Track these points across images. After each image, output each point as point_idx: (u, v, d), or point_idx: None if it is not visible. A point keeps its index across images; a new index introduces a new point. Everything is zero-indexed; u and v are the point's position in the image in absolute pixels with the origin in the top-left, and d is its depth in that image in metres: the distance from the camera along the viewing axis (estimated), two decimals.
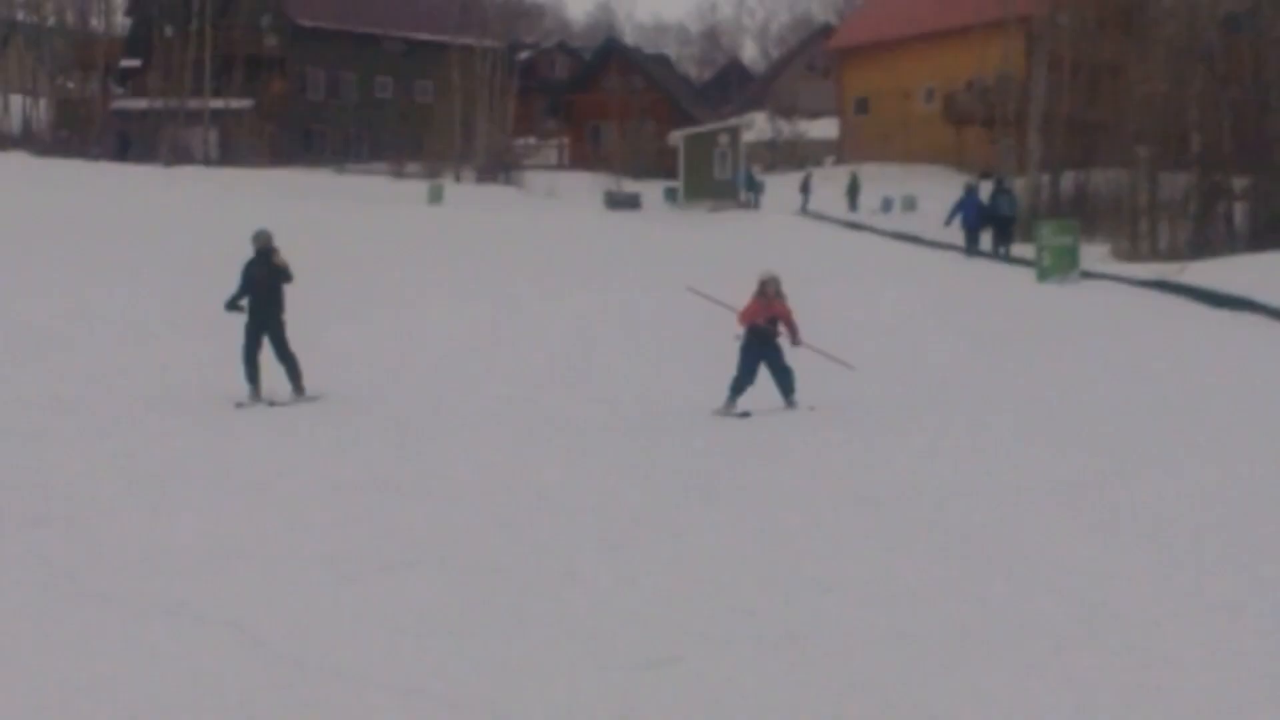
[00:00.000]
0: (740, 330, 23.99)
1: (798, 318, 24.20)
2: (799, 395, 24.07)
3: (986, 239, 56.61)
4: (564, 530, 16.75)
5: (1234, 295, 37.28)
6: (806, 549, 15.38)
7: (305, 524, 16.73)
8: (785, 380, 23.94)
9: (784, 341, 24.34)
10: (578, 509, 17.93)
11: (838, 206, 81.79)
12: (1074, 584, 13.99)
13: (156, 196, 64.35)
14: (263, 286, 25.67)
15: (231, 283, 25.92)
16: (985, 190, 59.75)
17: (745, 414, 23.52)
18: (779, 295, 23.90)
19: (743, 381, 23.67)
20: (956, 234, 57.89)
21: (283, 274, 25.75)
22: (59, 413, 24.38)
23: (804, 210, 79.33)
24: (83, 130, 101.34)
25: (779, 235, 65.81)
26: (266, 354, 25.92)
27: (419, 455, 21.61)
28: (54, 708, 10.72)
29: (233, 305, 25.71)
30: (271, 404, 25.41)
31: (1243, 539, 15.59)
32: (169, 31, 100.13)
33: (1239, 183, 56.33)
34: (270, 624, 12.72)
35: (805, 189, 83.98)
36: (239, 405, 25.15)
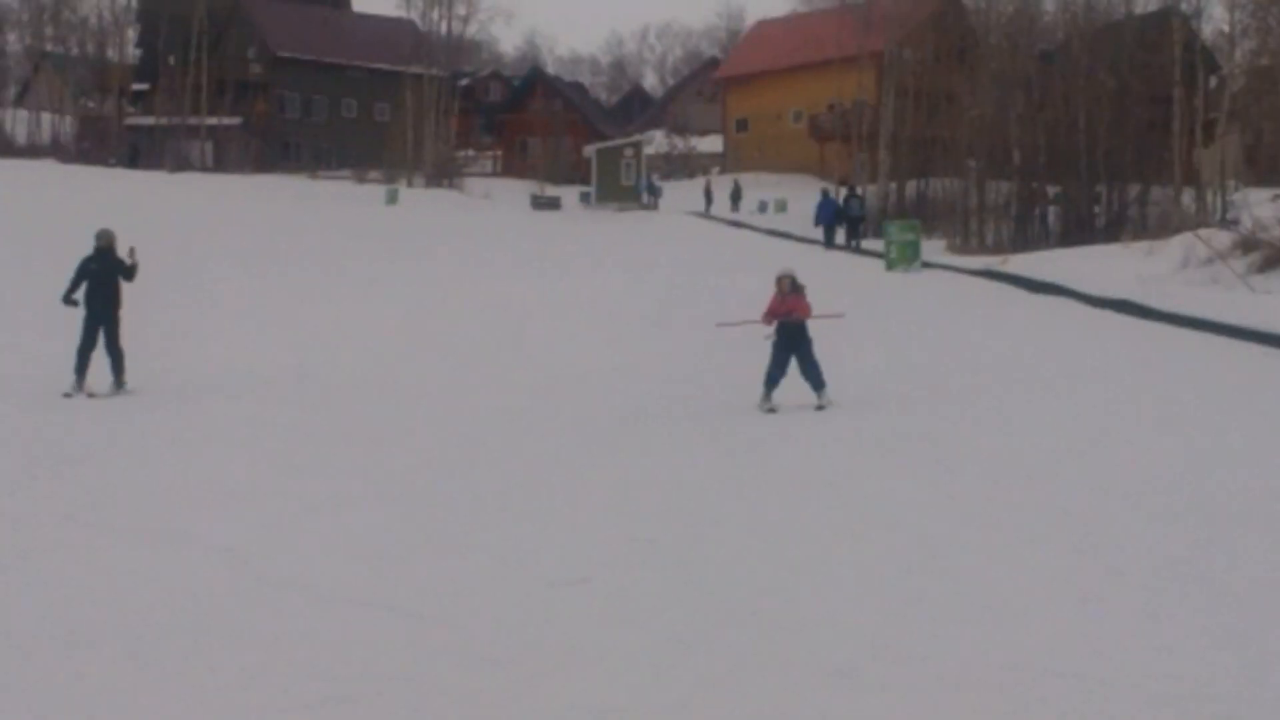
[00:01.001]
0: (769, 330, 21.50)
1: (816, 310, 21.51)
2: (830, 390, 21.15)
3: (842, 235, 57.43)
4: (496, 474, 16.86)
5: (1048, 282, 37.65)
6: (701, 489, 15.65)
7: (284, 468, 17.04)
8: (813, 375, 21.19)
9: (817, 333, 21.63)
10: (506, 456, 18.07)
11: (723, 208, 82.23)
12: (908, 518, 14.21)
13: (162, 196, 64.26)
14: (101, 282, 23.63)
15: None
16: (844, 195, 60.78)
17: (773, 409, 21.03)
18: (795, 290, 21.48)
19: (774, 375, 21.26)
20: (820, 231, 58.60)
21: (123, 270, 23.87)
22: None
23: (707, 213, 79.71)
24: (101, 142, 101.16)
25: (673, 230, 66.00)
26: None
27: (374, 415, 21.74)
28: (72, 610, 10.85)
29: (67, 299, 23.65)
30: (91, 395, 23.08)
31: (1051, 468, 16.00)
32: (172, 61, 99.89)
33: (1051, 190, 56.87)
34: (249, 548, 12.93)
35: (708, 194, 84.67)
36: (66, 395, 22.87)
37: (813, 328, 21.44)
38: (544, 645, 10.20)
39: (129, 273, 23.92)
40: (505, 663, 9.77)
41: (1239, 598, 11.08)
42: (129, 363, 23.67)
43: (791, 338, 21.24)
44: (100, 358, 23.40)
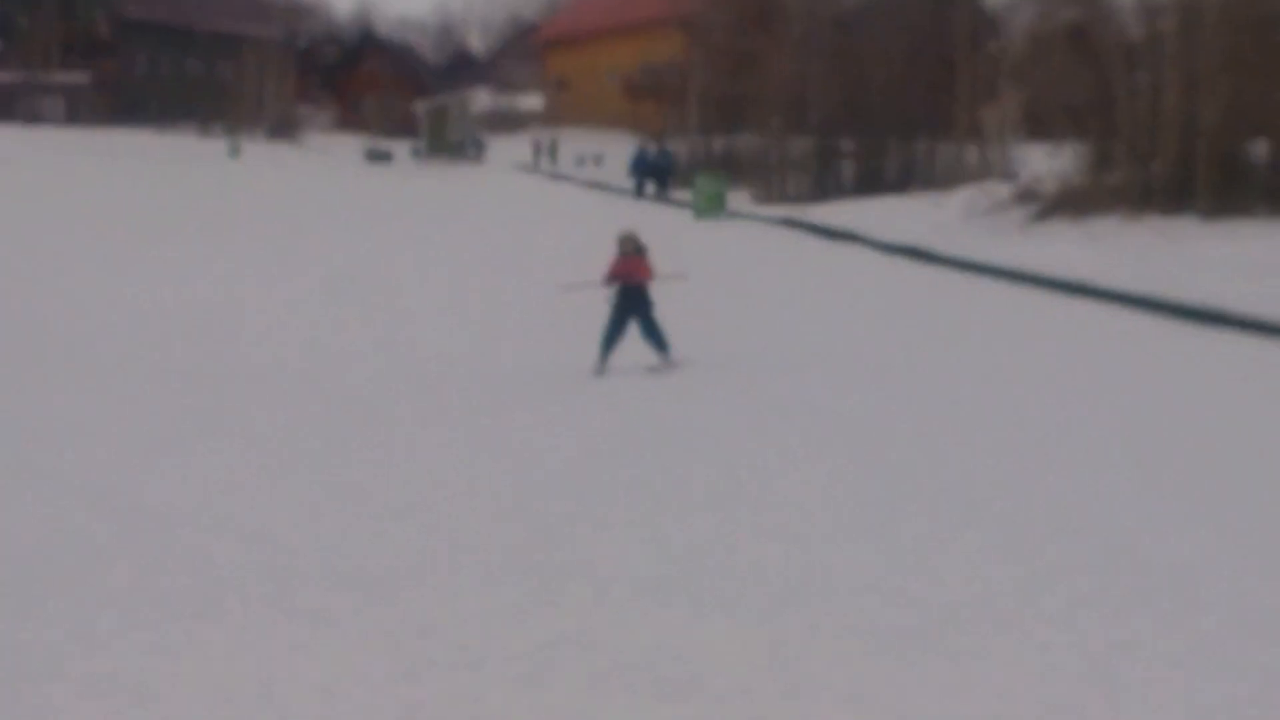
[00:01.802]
0: (609, 293, 19.51)
1: (657, 270, 19.61)
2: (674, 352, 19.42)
3: (652, 187, 58.00)
4: (335, 415, 17.07)
5: (842, 229, 38.18)
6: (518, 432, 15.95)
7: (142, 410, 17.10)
8: (655, 337, 19.42)
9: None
10: (349, 399, 18.20)
11: (545, 163, 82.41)
12: (722, 440, 14.65)
13: (12, 149, 63.59)
14: None
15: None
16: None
17: (599, 374, 19.15)
18: (638, 251, 19.63)
19: (612, 337, 19.30)
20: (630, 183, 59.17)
21: None
22: None
23: (536, 167, 79.94)
24: None
25: (497, 182, 66.26)
26: None
27: (223, 354, 21.51)
28: None
29: None
30: None
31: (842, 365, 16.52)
32: (23, 20, 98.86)
33: (846, 145, 57.41)
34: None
35: (537, 150, 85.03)
36: None
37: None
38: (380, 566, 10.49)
39: None
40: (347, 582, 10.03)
41: (1035, 527, 11.53)
42: None
43: (632, 300, 19.40)
44: None
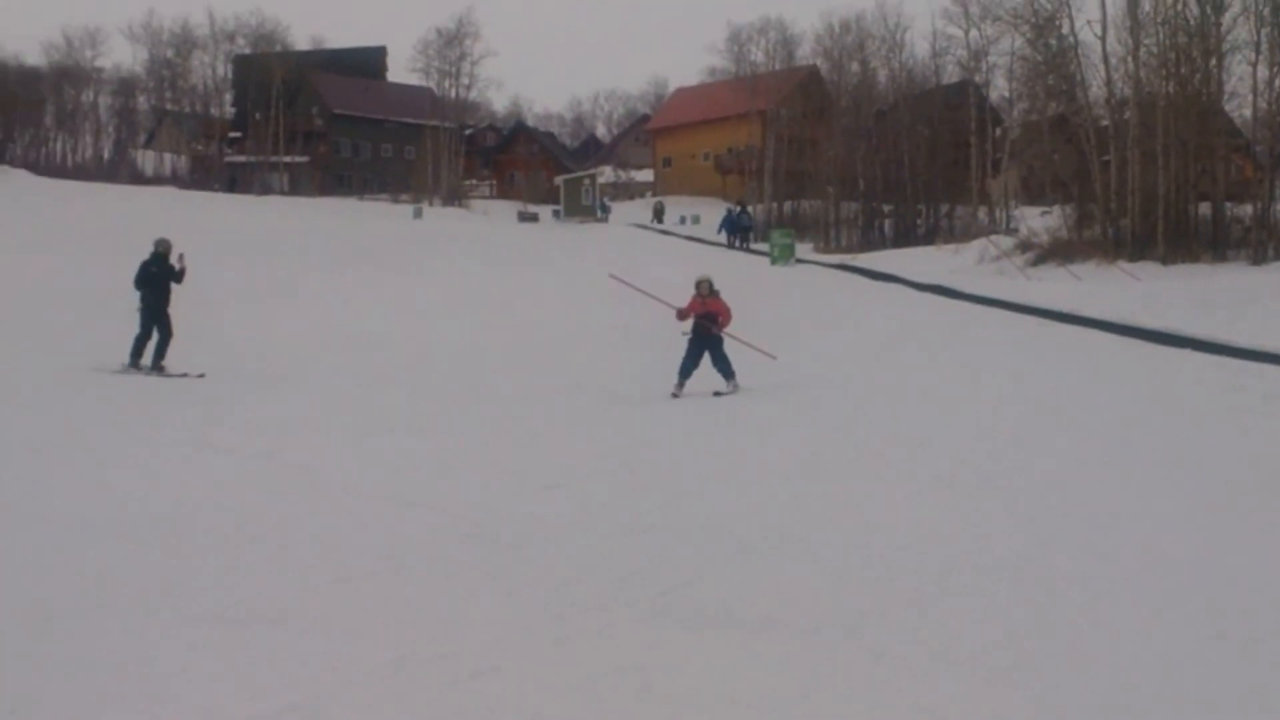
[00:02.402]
0: (686, 326, 18.62)
1: (733, 313, 18.86)
2: (739, 379, 18.34)
3: (738, 240, 58.09)
4: (495, 413, 17.32)
5: (885, 272, 38.16)
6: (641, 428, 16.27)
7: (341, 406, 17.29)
8: (723, 366, 18.34)
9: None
10: (506, 400, 18.50)
11: (658, 223, 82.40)
12: (795, 439, 14.72)
13: (251, 212, 64.12)
14: (159, 283, 20.26)
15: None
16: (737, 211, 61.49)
17: (676, 396, 18.04)
18: (713, 293, 18.75)
19: (687, 367, 18.33)
20: (721, 237, 59.20)
21: (174, 274, 20.56)
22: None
23: (651, 224, 79.95)
24: (207, 174, 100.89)
25: (619, 236, 66.02)
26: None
27: (404, 364, 21.99)
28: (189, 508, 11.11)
29: (139, 285, 20.29)
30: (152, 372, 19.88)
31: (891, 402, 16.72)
32: (258, 116, 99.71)
33: (886, 208, 57.52)
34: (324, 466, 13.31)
35: (659, 212, 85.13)
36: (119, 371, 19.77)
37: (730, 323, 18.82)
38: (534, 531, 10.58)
39: (179, 276, 20.64)
40: (509, 543, 10.16)
41: (1031, 491, 11.57)
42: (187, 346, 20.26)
43: (706, 334, 18.52)
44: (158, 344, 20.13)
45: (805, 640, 7.73)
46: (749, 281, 36.87)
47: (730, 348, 18.87)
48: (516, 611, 8.23)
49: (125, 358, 19.93)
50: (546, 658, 7.40)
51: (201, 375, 19.61)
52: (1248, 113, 38.16)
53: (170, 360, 20.07)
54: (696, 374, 18.55)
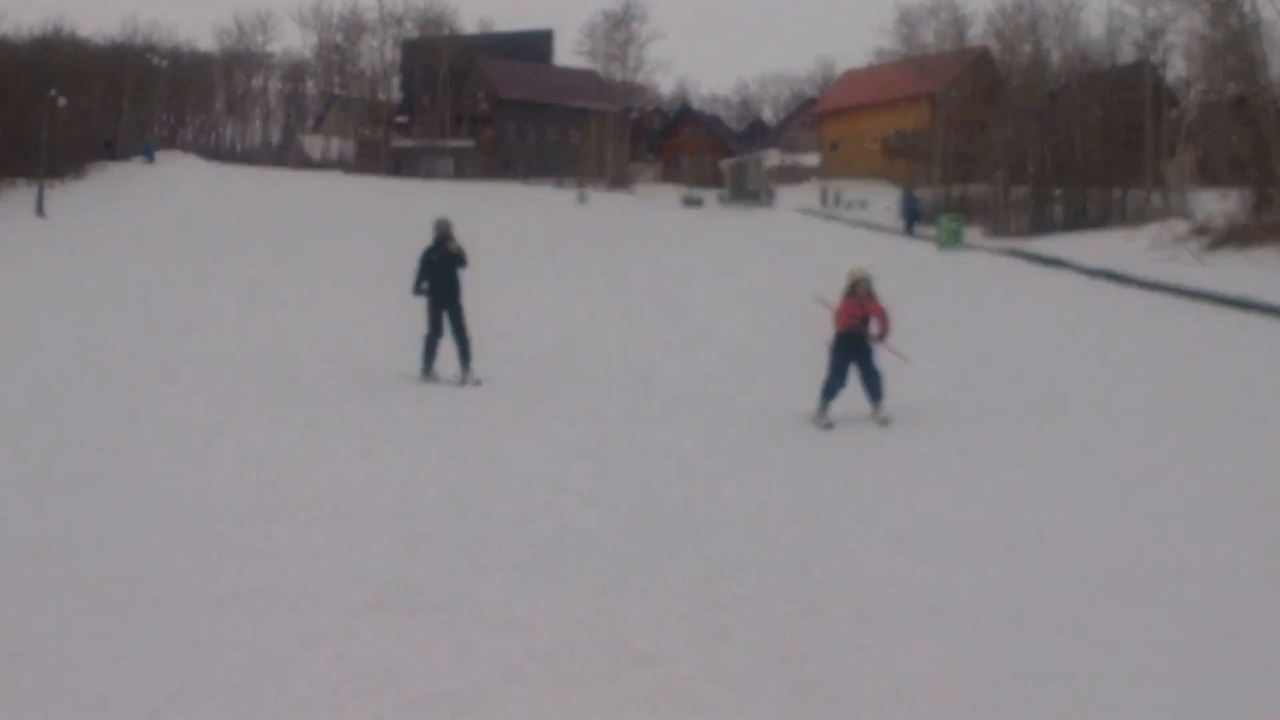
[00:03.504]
0: (831, 340, 15.06)
1: (891, 316, 15.08)
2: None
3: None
4: (647, 400, 17.32)
5: (1055, 257, 37.61)
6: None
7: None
8: (874, 385, 14.88)
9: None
10: (666, 388, 18.38)
11: (829, 207, 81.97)
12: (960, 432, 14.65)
13: (419, 196, 64.96)
14: (443, 271, 18.10)
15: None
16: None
17: (829, 425, 14.50)
18: (870, 295, 15.06)
19: (834, 385, 14.81)
20: (892, 221, 58.88)
21: (461, 258, 18.24)
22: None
23: (823, 209, 79.55)
24: (373, 158, 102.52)
25: (785, 222, 65.90)
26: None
27: (564, 350, 21.85)
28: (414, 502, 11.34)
29: (417, 289, 18.13)
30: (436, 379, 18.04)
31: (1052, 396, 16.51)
32: (425, 100, 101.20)
33: (1056, 192, 56.74)
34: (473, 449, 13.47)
35: (824, 196, 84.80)
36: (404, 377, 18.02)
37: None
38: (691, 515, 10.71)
39: (463, 260, 18.27)
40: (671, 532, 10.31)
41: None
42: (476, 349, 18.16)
43: (855, 343, 14.93)
44: (448, 346, 18.08)
45: (968, 632, 7.74)
46: (915, 266, 36.81)
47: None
48: (676, 602, 8.31)
49: (419, 363, 18.11)
50: (706, 648, 7.46)
51: (479, 382, 17.75)
52: None
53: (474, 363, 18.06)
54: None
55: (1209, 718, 6.56)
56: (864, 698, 6.72)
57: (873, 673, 7.07)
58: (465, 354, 17.95)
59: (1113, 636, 7.62)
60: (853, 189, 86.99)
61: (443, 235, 18.25)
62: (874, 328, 15.04)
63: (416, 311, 18.30)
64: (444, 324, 18.08)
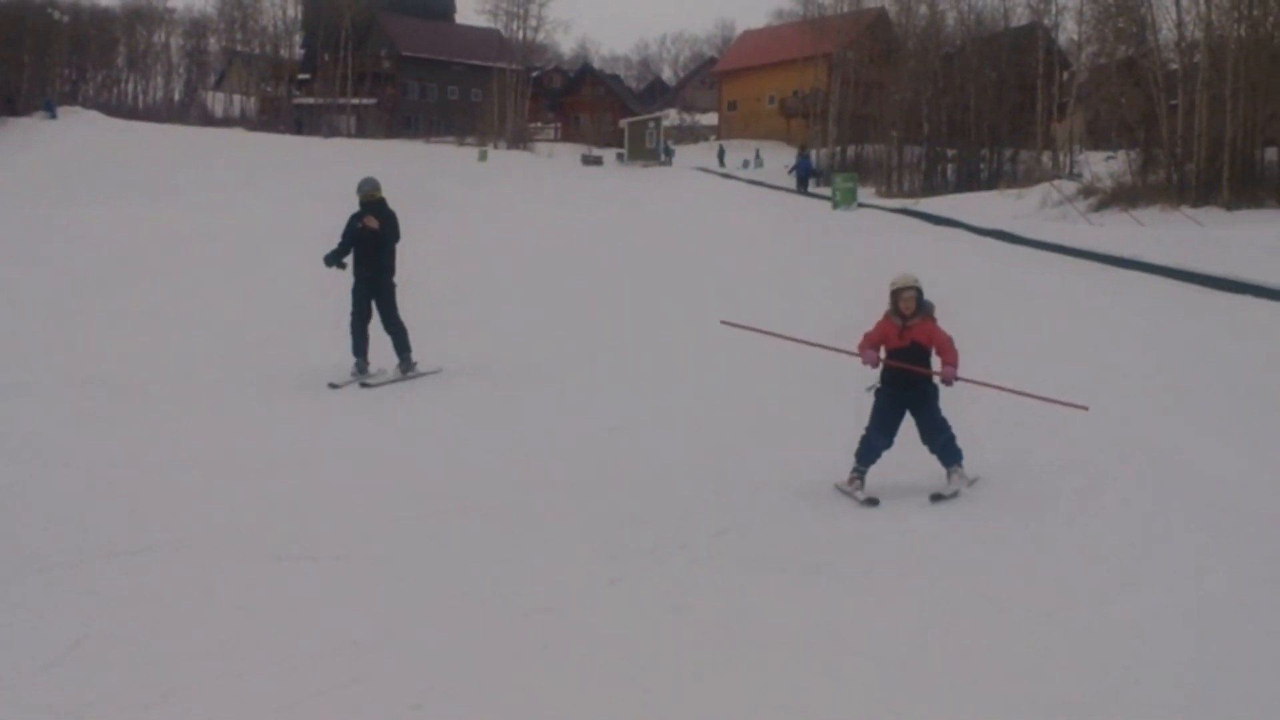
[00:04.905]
0: (874, 378, 10.19)
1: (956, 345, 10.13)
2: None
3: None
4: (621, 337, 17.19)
5: (945, 217, 37.79)
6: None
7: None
8: (940, 437, 9.96)
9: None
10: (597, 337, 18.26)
11: (720, 166, 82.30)
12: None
13: (319, 154, 64.23)
14: (369, 244, 14.74)
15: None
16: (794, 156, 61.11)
17: (873, 501, 9.64)
18: (921, 310, 10.02)
19: (873, 442, 10.02)
20: (788, 180, 58.94)
21: (393, 227, 14.94)
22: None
23: (722, 169, 79.64)
24: (275, 116, 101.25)
25: (682, 180, 65.80)
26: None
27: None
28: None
29: (329, 259, 14.76)
30: (364, 385, 14.49)
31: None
32: (326, 58, 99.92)
33: (950, 152, 56.94)
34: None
35: (721, 155, 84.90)
36: (333, 386, 14.40)
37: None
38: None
39: (394, 232, 15.00)
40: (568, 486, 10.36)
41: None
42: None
43: (910, 386, 10.02)
44: (378, 335, 15.01)
45: (858, 582, 7.89)
46: (812, 223, 36.70)
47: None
48: (572, 554, 8.44)
49: (351, 362, 14.93)
50: (600, 598, 7.59)
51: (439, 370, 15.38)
52: None
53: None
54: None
55: (1064, 649, 6.64)
56: (754, 645, 6.81)
57: (763, 621, 7.18)
58: (399, 345, 15.04)
59: (995, 580, 7.76)
60: (750, 148, 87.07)
61: (365, 202, 14.93)
62: (946, 373, 9.95)
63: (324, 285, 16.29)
64: (371, 309, 14.98)
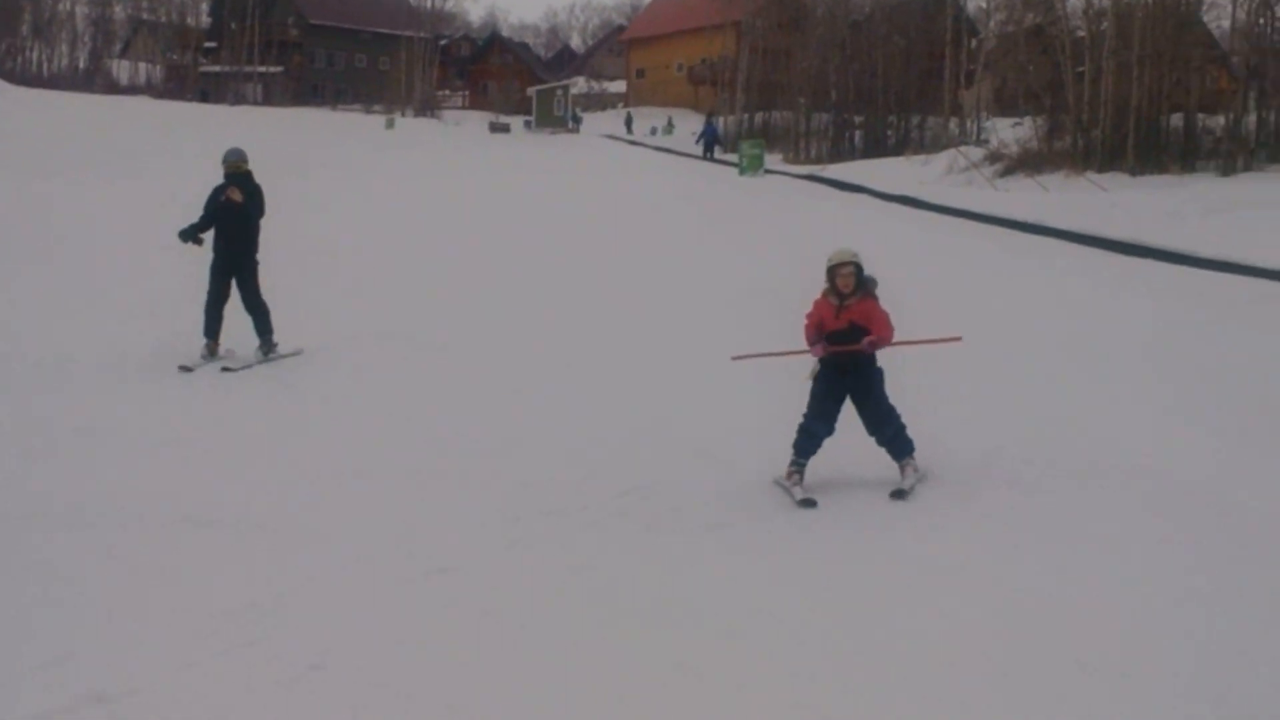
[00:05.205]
0: (812, 365, 9.15)
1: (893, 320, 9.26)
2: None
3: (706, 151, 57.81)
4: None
5: (852, 183, 37.75)
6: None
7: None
8: (887, 428, 9.09)
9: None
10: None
11: (628, 133, 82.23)
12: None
13: (225, 121, 63.44)
14: (231, 218, 13.50)
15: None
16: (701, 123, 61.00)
17: (809, 502, 8.62)
18: (861, 288, 9.02)
19: (814, 431, 9.01)
20: (694, 147, 58.92)
21: (257, 202, 13.64)
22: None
23: (629, 136, 79.61)
24: (181, 84, 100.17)
25: (589, 146, 65.86)
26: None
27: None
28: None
29: (185, 233, 13.52)
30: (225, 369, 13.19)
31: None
32: (233, 26, 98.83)
33: (857, 119, 56.89)
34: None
35: (629, 123, 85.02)
36: (184, 369, 13.12)
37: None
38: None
39: (259, 208, 13.70)
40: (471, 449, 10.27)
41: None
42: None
43: (850, 371, 9.04)
44: (237, 315, 13.80)
45: (758, 542, 7.93)
46: (718, 189, 36.53)
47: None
48: (474, 514, 8.46)
49: (202, 341, 13.72)
50: (500, 558, 7.63)
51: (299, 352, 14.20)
52: (1226, 24, 37.64)
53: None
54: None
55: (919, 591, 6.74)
56: (654, 605, 6.88)
57: (663, 581, 7.25)
58: (259, 326, 13.83)
59: (891, 536, 7.93)
60: (658, 116, 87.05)
61: (231, 174, 13.70)
62: (865, 343, 8.94)
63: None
64: (229, 288, 13.81)
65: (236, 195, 13.35)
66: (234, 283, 13.73)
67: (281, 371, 13.29)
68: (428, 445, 10.29)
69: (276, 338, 13.91)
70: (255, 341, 13.80)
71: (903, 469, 9.06)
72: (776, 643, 6.36)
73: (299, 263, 19.64)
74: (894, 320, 8.94)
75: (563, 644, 6.33)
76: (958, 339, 9.62)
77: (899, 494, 8.78)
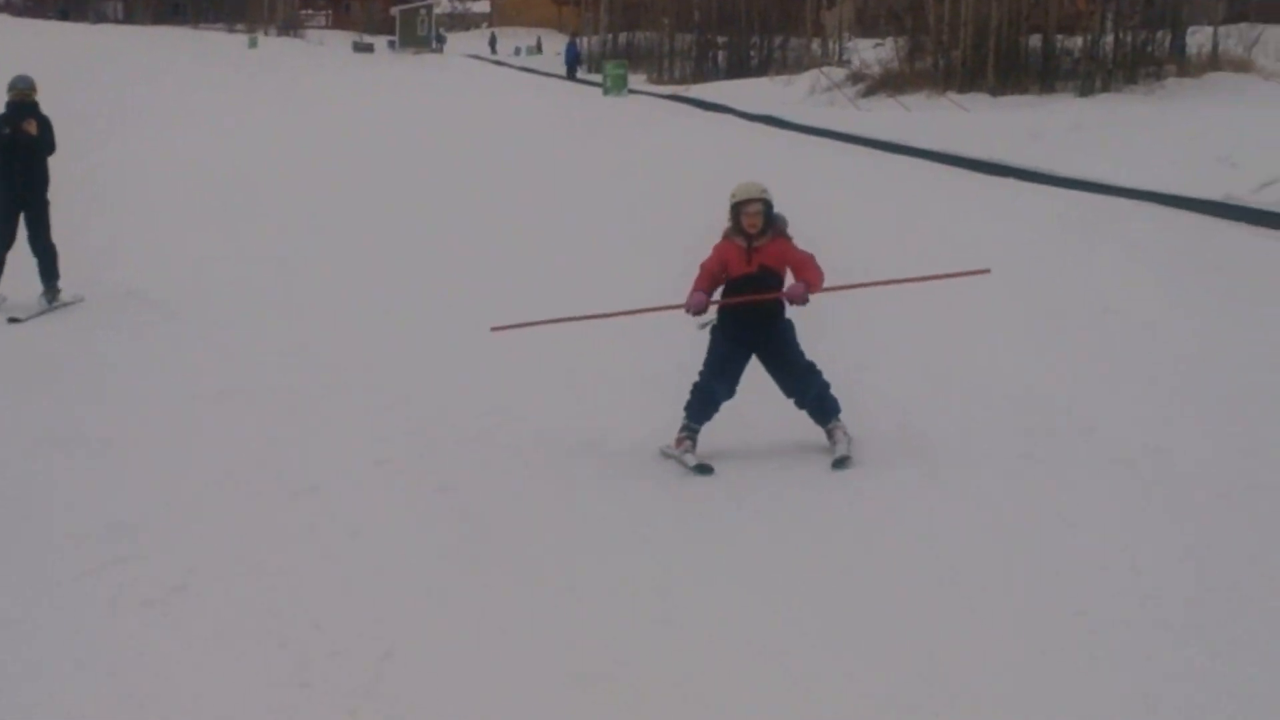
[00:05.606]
0: (708, 316, 7.85)
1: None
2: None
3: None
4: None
5: (716, 103, 37.68)
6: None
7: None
8: (810, 388, 7.80)
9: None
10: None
11: (490, 52, 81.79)
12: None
13: (87, 39, 62.07)
14: (18, 151, 12.16)
15: None
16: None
17: (705, 468, 7.57)
18: (771, 227, 7.66)
19: (711, 391, 7.80)
20: (559, 67, 58.75)
21: (48, 133, 12.38)
22: None
23: (494, 56, 79.17)
24: (40, 2, 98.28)
25: (454, 67, 65.28)
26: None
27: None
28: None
29: None
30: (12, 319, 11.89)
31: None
32: None
33: (720, 40, 56.83)
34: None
35: (492, 43, 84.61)
36: None
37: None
38: None
39: (49, 143, 12.46)
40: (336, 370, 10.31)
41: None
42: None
43: (756, 324, 7.81)
44: (22, 258, 12.45)
45: (626, 462, 7.94)
46: (582, 109, 36.30)
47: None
48: (340, 435, 8.42)
49: None
50: (367, 478, 7.60)
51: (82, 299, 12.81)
52: None
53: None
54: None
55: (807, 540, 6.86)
56: (518, 525, 6.87)
57: (528, 501, 7.24)
58: (46, 269, 12.50)
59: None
60: (523, 36, 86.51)
61: (16, 104, 12.39)
62: (793, 289, 7.76)
63: None
64: (15, 227, 12.50)
65: (32, 128, 12.19)
66: (21, 222, 12.44)
67: (131, 300, 12.82)
68: (293, 367, 10.19)
69: (62, 284, 12.59)
70: (39, 288, 12.43)
71: (830, 433, 7.89)
72: (644, 563, 6.34)
73: (167, 187, 19.44)
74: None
75: (428, 563, 6.33)
76: (987, 271, 8.43)
77: (842, 462, 7.65)
